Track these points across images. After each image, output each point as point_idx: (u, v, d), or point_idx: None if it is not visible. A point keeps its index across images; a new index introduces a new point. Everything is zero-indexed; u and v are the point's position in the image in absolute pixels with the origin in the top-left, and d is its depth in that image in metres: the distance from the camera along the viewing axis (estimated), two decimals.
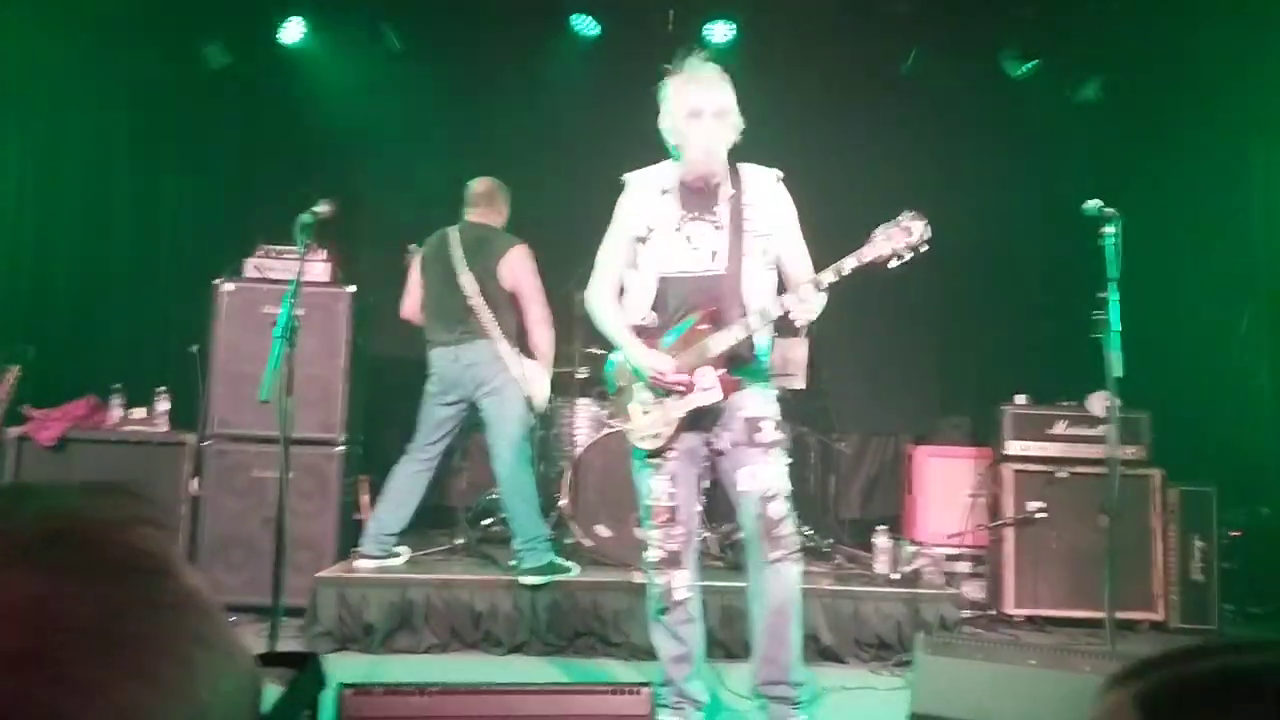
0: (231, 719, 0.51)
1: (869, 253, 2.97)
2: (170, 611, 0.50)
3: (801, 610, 3.20)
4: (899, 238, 2.96)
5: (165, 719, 0.46)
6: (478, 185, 4.87)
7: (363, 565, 4.67)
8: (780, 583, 3.12)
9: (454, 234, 4.76)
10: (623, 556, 4.76)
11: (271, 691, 0.60)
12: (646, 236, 3.21)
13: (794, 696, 3.16)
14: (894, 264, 2.98)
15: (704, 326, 3.12)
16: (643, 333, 3.22)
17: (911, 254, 2.97)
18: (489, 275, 4.62)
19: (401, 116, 6.14)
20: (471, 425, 4.97)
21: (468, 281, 4.61)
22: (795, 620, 3.16)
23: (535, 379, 4.65)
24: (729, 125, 3.13)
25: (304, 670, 0.68)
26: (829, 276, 2.98)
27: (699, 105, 3.09)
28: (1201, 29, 5.59)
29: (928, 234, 2.97)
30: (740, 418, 3.15)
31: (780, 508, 3.11)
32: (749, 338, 3.11)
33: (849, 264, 2.97)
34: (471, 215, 4.83)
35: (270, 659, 0.66)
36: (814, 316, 3.04)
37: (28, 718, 0.43)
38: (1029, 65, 6.45)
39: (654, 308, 3.22)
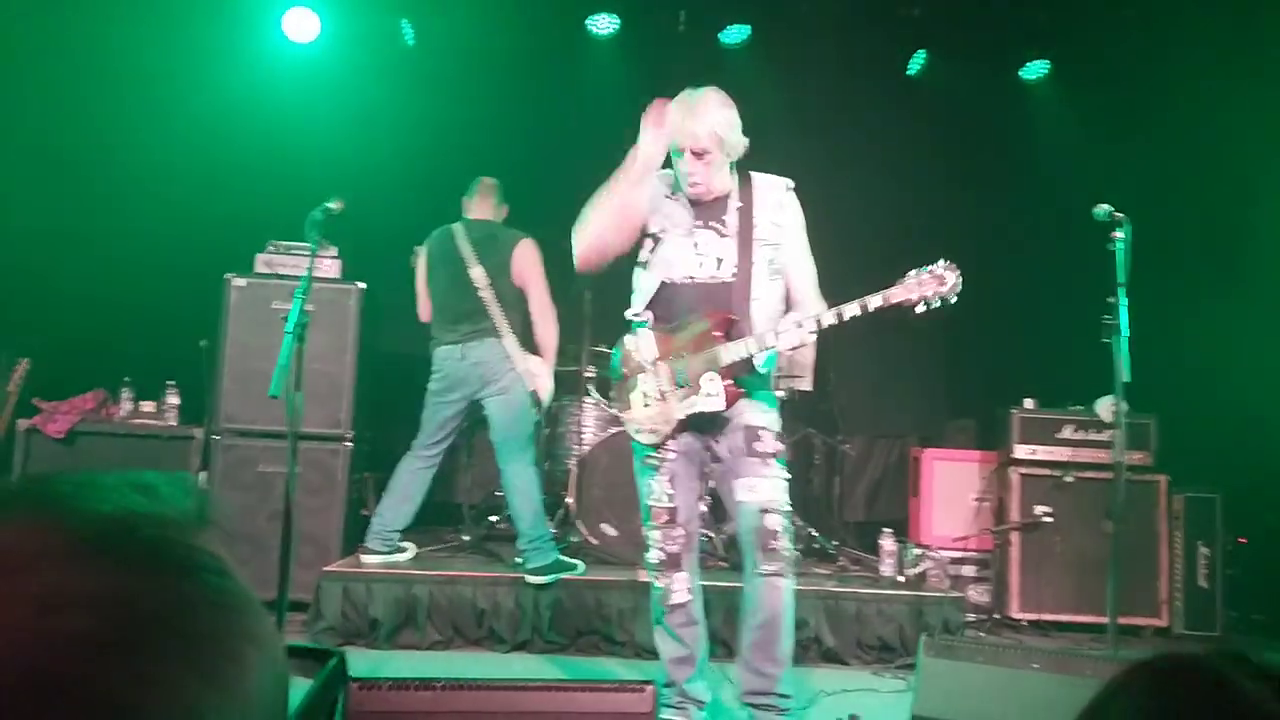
0: (268, 712, 0.52)
1: (898, 294, 2.97)
2: (229, 611, 0.51)
3: (792, 624, 3.18)
4: (930, 285, 2.95)
5: (217, 712, 0.47)
6: (478, 183, 4.92)
7: (367, 560, 4.69)
8: (772, 596, 3.11)
9: (459, 230, 4.78)
10: (628, 555, 4.77)
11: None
12: (659, 236, 3.22)
13: (780, 707, 3.16)
14: (920, 309, 2.97)
15: (717, 334, 3.11)
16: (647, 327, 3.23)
17: (940, 303, 2.96)
18: (500, 270, 4.64)
19: (414, 112, 6.15)
20: (477, 423, 4.98)
21: (478, 276, 4.63)
22: (785, 633, 3.15)
23: (540, 375, 4.66)
24: (714, 159, 3.10)
25: (328, 667, 0.69)
26: (853, 310, 2.97)
27: (680, 143, 3.09)
28: (1211, 34, 5.58)
29: (960, 286, 2.95)
30: (741, 426, 3.15)
31: (776, 521, 3.10)
32: (761, 351, 3.10)
33: (874, 302, 2.96)
34: (473, 212, 4.85)
35: (297, 652, 0.67)
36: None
37: (94, 704, 0.44)
38: (1040, 69, 6.45)
39: (655, 310, 3.23)
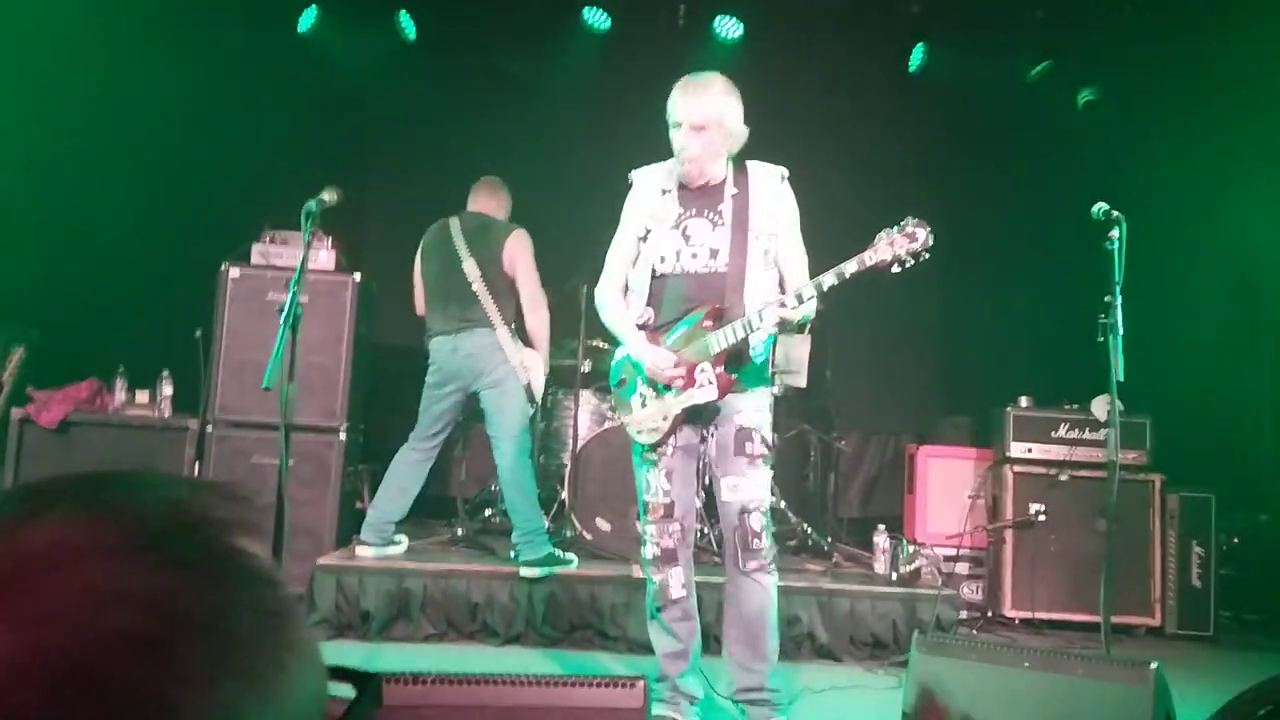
0: None
1: (871, 257, 2.97)
2: (273, 618, 0.51)
3: (777, 620, 3.21)
4: (902, 243, 2.96)
5: (257, 717, 0.48)
6: (482, 180, 4.93)
7: (362, 553, 4.69)
8: (755, 594, 3.13)
9: (454, 222, 4.78)
10: (622, 550, 4.77)
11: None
12: (645, 235, 3.23)
13: (771, 700, 3.18)
14: (896, 269, 2.98)
15: (707, 324, 3.13)
16: (643, 329, 3.23)
17: (914, 260, 2.97)
18: (491, 261, 4.63)
19: (411, 105, 6.14)
20: (472, 416, 4.98)
21: (470, 268, 4.62)
22: (770, 629, 3.17)
23: (533, 367, 4.65)
24: (712, 138, 3.12)
25: (365, 689, 0.69)
26: (830, 279, 2.98)
27: (677, 117, 3.13)
28: (1208, 33, 5.57)
29: (931, 241, 2.96)
30: (734, 424, 3.15)
31: (759, 520, 3.13)
32: (748, 336, 3.11)
33: (850, 268, 2.97)
34: (472, 205, 4.87)
35: (334, 673, 0.68)
36: (809, 316, 3.06)
37: (135, 702, 0.44)
38: (1041, 67, 6.44)
39: (651, 305, 3.23)
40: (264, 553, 0.54)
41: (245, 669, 0.48)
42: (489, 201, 4.87)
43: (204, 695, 0.46)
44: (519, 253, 4.66)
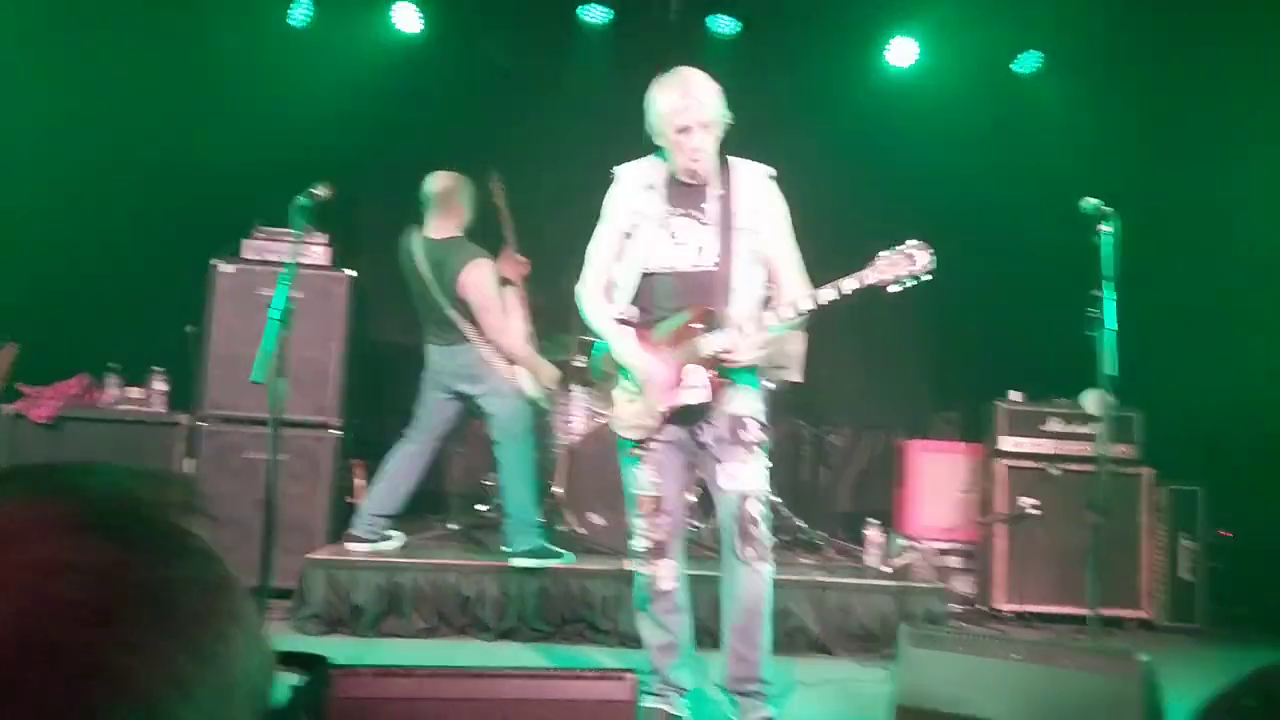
0: (253, 696, 0.54)
1: (870, 276, 2.99)
2: (216, 592, 0.54)
3: (773, 610, 3.21)
4: (902, 265, 2.98)
5: (204, 688, 0.50)
6: (435, 184, 4.69)
7: (353, 548, 4.68)
8: (753, 582, 3.13)
9: (419, 249, 4.66)
10: (616, 544, 4.77)
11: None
12: (631, 232, 3.22)
13: (764, 694, 3.19)
14: (894, 289, 2.99)
15: (697, 325, 3.12)
16: (627, 325, 3.23)
17: (913, 283, 2.99)
18: (451, 290, 4.58)
19: (405, 100, 6.12)
20: (471, 413, 4.97)
21: (439, 297, 4.59)
22: (766, 620, 3.18)
23: (522, 380, 4.66)
24: (716, 134, 3.13)
25: (313, 671, 0.72)
26: (829, 294, 3.00)
27: (685, 120, 3.07)
28: (1203, 27, 5.58)
29: (931, 264, 2.99)
30: (726, 414, 3.15)
31: (756, 508, 3.12)
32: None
33: (849, 285, 2.99)
34: (429, 228, 4.68)
35: (282, 657, 0.70)
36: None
37: (85, 669, 0.46)
38: (1033, 60, 6.45)
39: (638, 303, 3.23)
40: (205, 532, 0.57)
41: (191, 638, 0.51)
42: (444, 222, 4.67)
43: (152, 662, 0.48)
44: (472, 286, 4.55)
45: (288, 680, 0.68)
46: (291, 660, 0.73)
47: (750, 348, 3.07)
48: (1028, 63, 6.52)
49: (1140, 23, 5.83)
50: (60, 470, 0.55)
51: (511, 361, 4.66)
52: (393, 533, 4.84)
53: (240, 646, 0.53)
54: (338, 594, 4.48)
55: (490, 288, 4.60)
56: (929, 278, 2.99)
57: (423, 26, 6.31)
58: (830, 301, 3.00)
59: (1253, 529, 5.54)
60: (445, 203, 4.69)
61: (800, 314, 3.04)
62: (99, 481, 0.55)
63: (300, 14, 6.06)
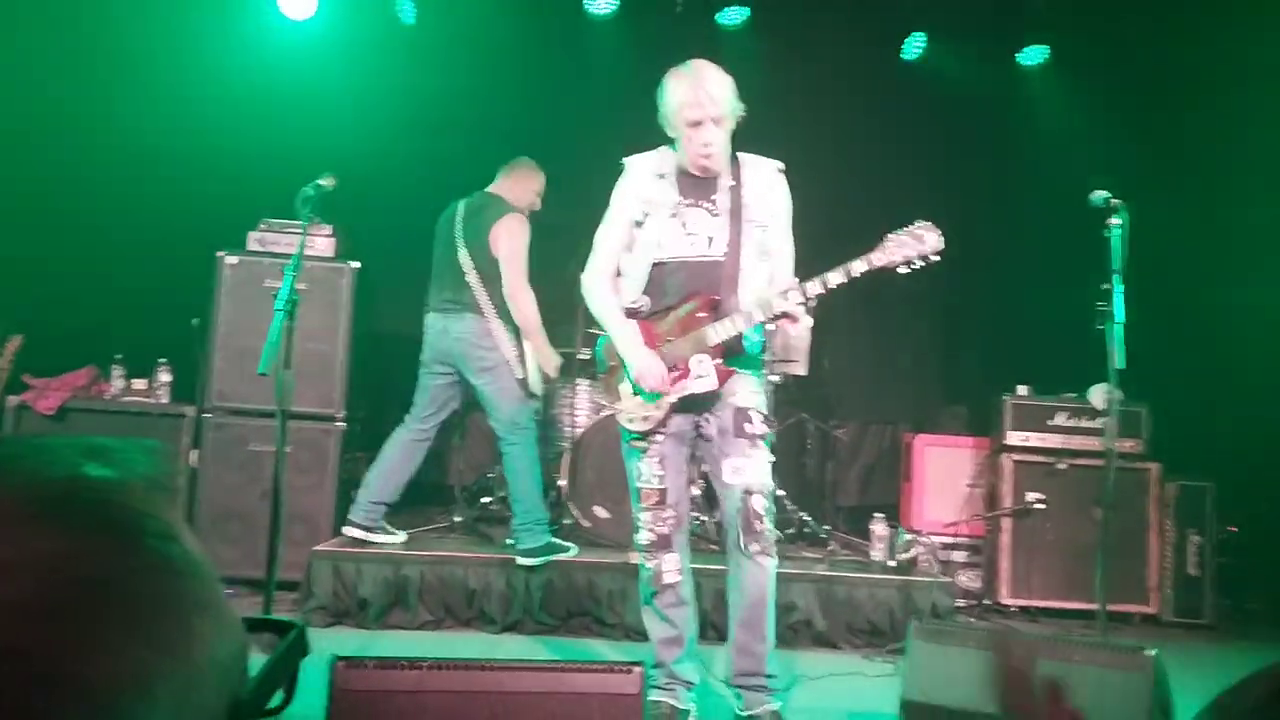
0: (223, 683, 0.51)
1: (879, 258, 2.96)
2: (175, 577, 0.50)
3: (778, 603, 3.21)
4: (911, 246, 2.95)
5: (165, 680, 0.46)
6: (512, 162, 4.88)
7: (349, 533, 4.67)
8: (758, 576, 3.12)
9: (460, 206, 4.76)
10: (620, 538, 4.77)
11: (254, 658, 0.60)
12: (643, 221, 3.21)
13: (769, 687, 3.18)
14: (903, 271, 2.97)
15: (703, 314, 3.11)
16: (635, 315, 3.21)
17: (923, 263, 2.96)
18: (481, 248, 4.59)
19: (410, 91, 6.10)
20: (471, 404, 4.96)
21: (464, 257, 4.60)
22: (770, 613, 3.17)
23: (528, 361, 4.63)
24: (728, 127, 3.11)
25: (288, 638, 0.68)
26: (838, 277, 2.97)
27: (698, 114, 3.05)
28: (1207, 19, 5.55)
29: (940, 245, 2.96)
30: (731, 406, 3.14)
31: (761, 502, 3.11)
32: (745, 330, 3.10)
33: (858, 267, 2.97)
34: (490, 187, 4.82)
35: (255, 624, 0.66)
36: (807, 324, 3.05)
37: (36, 674, 0.43)
38: (1040, 54, 6.42)
39: (647, 292, 3.21)
40: (171, 511, 0.52)
41: (150, 630, 0.47)
42: (504, 183, 4.82)
43: (110, 661, 0.45)
44: (503, 236, 4.58)
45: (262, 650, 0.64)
46: (265, 627, 0.69)
47: (801, 309, 3.01)
48: (1033, 54, 6.48)
49: (1147, 11, 5.80)
50: (0, 452, 0.51)
51: (519, 337, 4.62)
52: (395, 531, 4.81)
53: (205, 633, 0.49)
54: (344, 586, 4.48)
55: (521, 242, 4.60)
56: (938, 259, 2.95)
57: (428, 17, 6.29)
58: (839, 285, 2.98)
59: (1261, 524, 5.52)
60: (510, 172, 4.82)
61: (806, 298, 3.00)
62: (43, 463, 0.50)
63: (304, 6, 6.04)
